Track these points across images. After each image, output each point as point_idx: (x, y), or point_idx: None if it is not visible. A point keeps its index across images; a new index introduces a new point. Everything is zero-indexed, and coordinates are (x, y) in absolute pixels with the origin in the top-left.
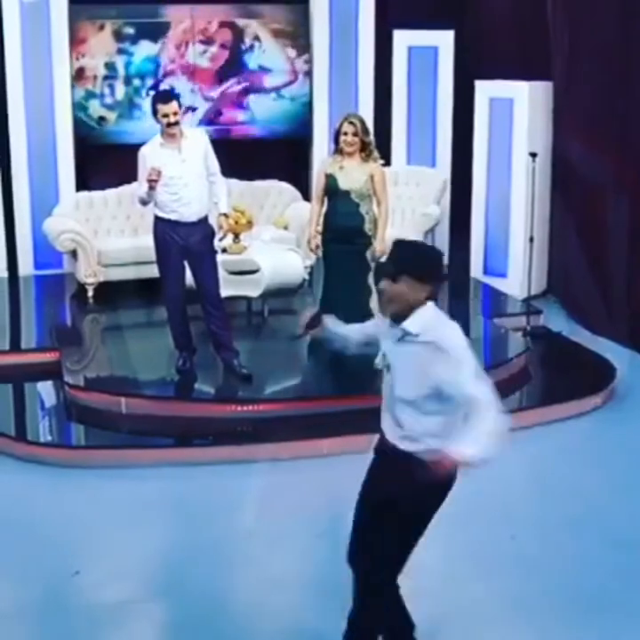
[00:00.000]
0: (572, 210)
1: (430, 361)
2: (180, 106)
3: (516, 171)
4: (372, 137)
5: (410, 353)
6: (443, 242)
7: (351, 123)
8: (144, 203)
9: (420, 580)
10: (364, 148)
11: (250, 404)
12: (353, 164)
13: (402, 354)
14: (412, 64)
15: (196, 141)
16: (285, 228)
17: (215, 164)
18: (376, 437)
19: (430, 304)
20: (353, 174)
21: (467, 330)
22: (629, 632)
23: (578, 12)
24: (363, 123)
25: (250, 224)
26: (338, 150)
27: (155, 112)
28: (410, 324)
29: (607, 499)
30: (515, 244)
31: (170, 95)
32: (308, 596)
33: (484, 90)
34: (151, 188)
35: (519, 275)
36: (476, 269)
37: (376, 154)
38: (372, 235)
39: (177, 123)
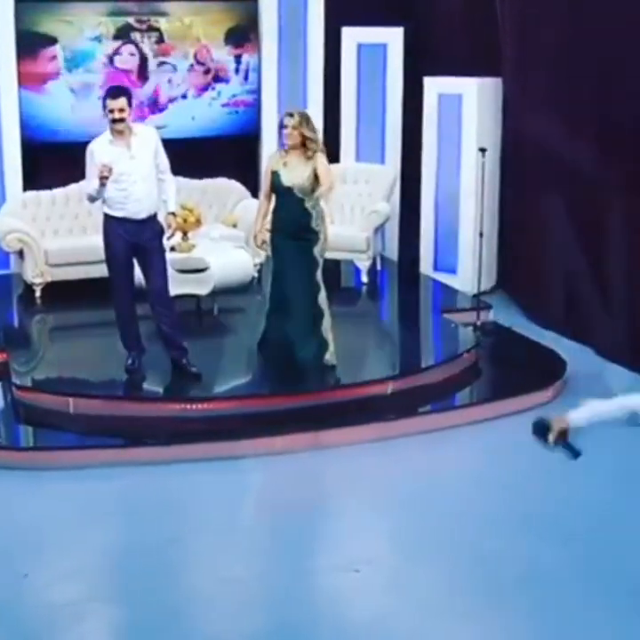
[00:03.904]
0: (521, 204)
1: None
2: (130, 103)
3: (465, 166)
4: (317, 134)
5: None
6: (392, 239)
7: (290, 115)
8: (92, 199)
9: (370, 576)
10: (305, 143)
11: (200, 403)
12: (296, 160)
13: None
14: (361, 61)
15: (146, 138)
16: (234, 225)
17: (165, 162)
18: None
19: None
20: (296, 171)
21: (417, 325)
22: (585, 623)
23: (526, 5)
24: (302, 116)
25: (198, 222)
26: (283, 146)
27: (104, 107)
28: None
29: (559, 493)
30: (464, 239)
31: (119, 91)
32: (258, 594)
33: (433, 86)
34: (102, 184)
35: (469, 270)
36: (425, 265)
37: (321, 148)
38: (320, 231)
39: (122, 119)
